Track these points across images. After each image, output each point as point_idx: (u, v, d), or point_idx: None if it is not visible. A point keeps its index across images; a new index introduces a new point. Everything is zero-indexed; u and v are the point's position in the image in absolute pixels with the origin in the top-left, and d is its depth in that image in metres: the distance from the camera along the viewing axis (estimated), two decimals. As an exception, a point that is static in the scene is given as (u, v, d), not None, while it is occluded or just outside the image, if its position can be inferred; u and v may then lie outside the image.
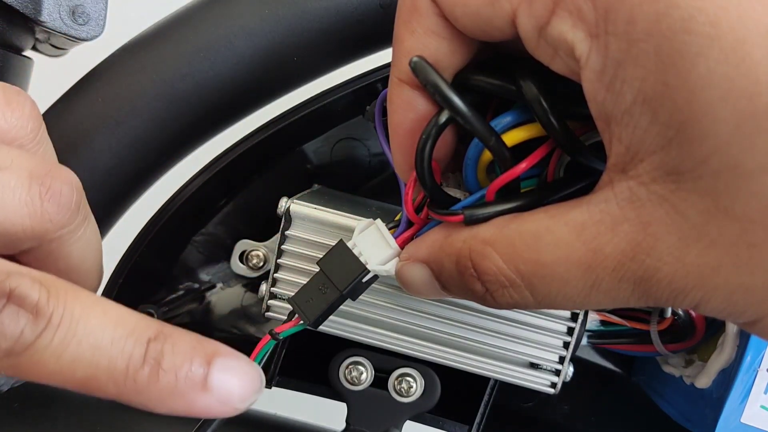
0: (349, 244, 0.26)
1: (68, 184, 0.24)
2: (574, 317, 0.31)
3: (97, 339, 0.19)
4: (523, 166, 0.21)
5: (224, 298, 0.41)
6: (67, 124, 0.32)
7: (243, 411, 0.21)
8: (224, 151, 0.35)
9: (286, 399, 0.38)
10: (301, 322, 0.26)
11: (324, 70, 0.36)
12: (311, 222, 0.31)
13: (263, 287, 0.33)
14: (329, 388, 0.35)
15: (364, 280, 0.26)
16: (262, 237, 0.37)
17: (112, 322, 0.20)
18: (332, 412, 0.37)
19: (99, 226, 0.28)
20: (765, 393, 0.31)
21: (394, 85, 0.23)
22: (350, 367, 0.34)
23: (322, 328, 0.30)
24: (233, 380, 0.20)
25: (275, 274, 0.32)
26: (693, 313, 0.33)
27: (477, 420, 0.35)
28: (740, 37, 0.16)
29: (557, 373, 0.32)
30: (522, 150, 0.22)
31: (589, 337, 0.36)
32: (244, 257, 0.37)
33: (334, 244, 0.26)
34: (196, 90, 0.32)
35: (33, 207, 0.22)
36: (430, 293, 0.24)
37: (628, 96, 0.17)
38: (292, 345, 0.36)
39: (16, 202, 0.22)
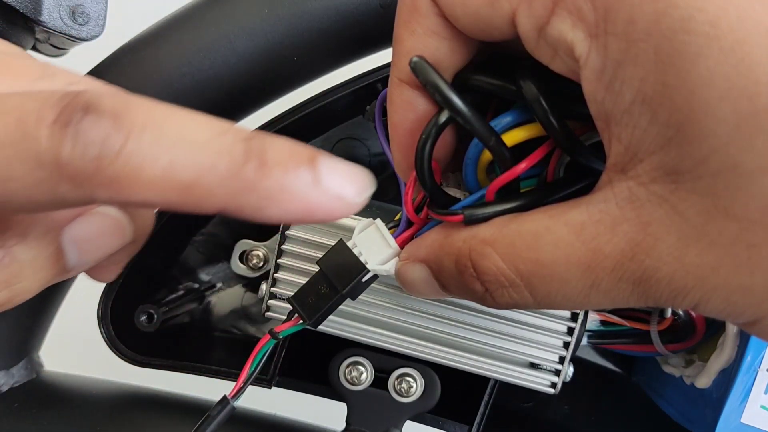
0: (349, 244, 0.26)
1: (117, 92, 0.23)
2: (574, 317, 0.31)
3: (192, 137, 0.17)
4: (522, 166, 0.21)
5: (224, 298, 0.41)
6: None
7: (360, 207, 0.19)
8: (224, 151, 0.35)
9: (286, 399, 0.38)
10: (301, 321, 0.26)
11: (324, 70, 0.36)
12: (311, 222, 0.31)
13: (263, 287, 0.33)
14: (329, 388, 0.35)
15: (364, 279, 0.26)
16: (262, 237, 0.37)
17: (202, 121, 0.18)
18: (332, 412, 0.37)
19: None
20: (765, 393, 0.31)
21: (394, 85, 0.23)
22: (350, 367, 0.34)
23: (322, 328, 0.30)
24: (342, 176, 0.18)
25: (275, 274, 0.32)
26: (693, 313, 0.33)
27: (477, 420, 0.35)
28: (740, 37, 0.16)
29: (557, 373, 0.32)
30: (522, 150, 0.22)
31: (589, 337, 0.36)
32: (244, 257, 0.37)
33: (333, 243, 0.26)
34: (196, 90, 0.33)
35: None
36: (430, 293, 0.24)
37: (628, 96, 0.17)
38: (292, 345, 0.36)
39: None
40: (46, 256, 0.22)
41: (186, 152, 0.17)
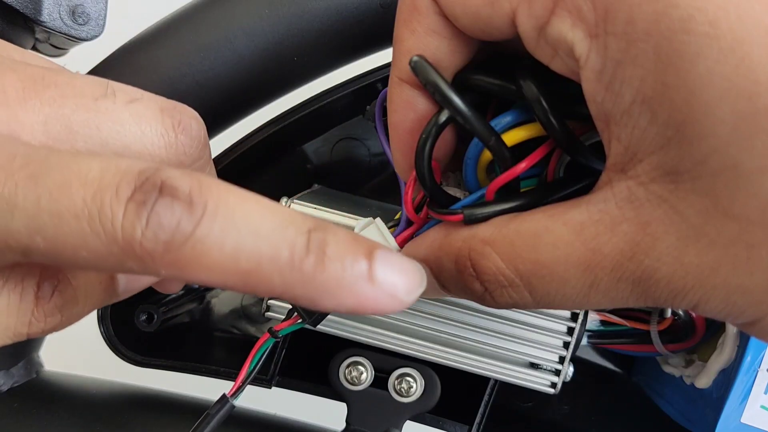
0: (349, 244, 0.26)
1: (195, 119, 0.24)
2: (574, 317, 0.31)
3: (258, 227, 0.18)
4: (522, 165, 0.21)
5: (224, 298, 0.41)
6: (67, 123, 0.32)
7: (409, 305, 0.19)
8: (224, 151, 0.35)
9: (286, 399, 0.38)
10: (300, 321, 0.26)
11: (324, 70, 0.36)
12: (311, 222, 0.31)
13: (263, 287, 0.33)
14: (329, 388, 0.35)
15: (364, 279, 0.26)
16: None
17: (269, 211, 0.18)
18: (332, 412, 0.37)
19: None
20: (765, 393, 0.31)
21: (394, 85, 0.23)
22: (350, 367, 0.34)
23: (321, 327, 0.30)
24: (396, 273, 0.19)
25: (275, 274, 0.32)
26: (693, 313, 0.33)
27: (477, 420, 0.35)
28: (739, 38, 0.16)
29: (557, 373, 0.32)
30: (522, 150, 0.22)
31: (589, 337, 0.36)
32: (244, 257, 0.37)
33: (333, 243, 0.26)
34: (196, 90, 0.33)
35: (168, 138, 0.22)
36: (430, 292, 0.24)
37: (627, 96, 0.17)
38: (292, 345, 0.36)
39: (153, 132, 0.22)
40: (98, 282, 0.22)
41: (251, 241, 0.17)
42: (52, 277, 0.21)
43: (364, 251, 0.19)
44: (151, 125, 0.22)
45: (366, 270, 0.18)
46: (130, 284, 0.24)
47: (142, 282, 0.25)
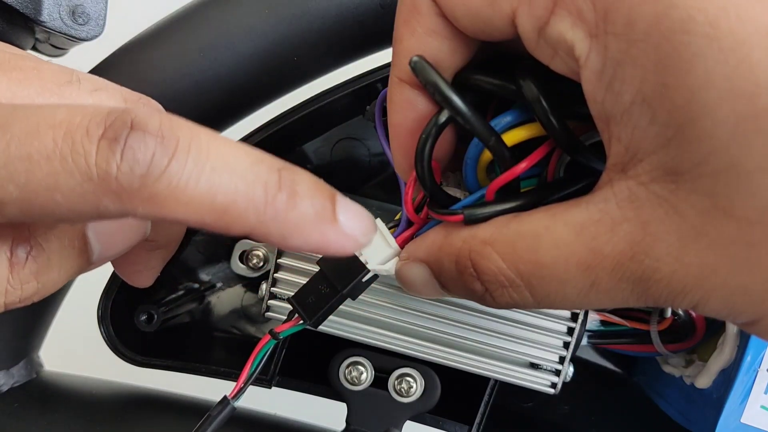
0: (349, 244, 0.26)
1: (158, 110, 0.24)
2: (574, 317, 0.31)
3: (231, 163, 0.18)
4: (522, 165, 0.21)
5: (224, 298, 0.41)
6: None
7: (364, 246, 0.21)
8: (224, 151, 0.35)
9: (286, 399, 0.38)
10: (301, 321, 0.26)
11: (324, 70, 0.36)
12: (311, 222, 0.31)
13: (263, 287, 0.33)
14: (329, 388, 0.35)
15: (364, 279, 0.26)
16: (262, 237, 0.37)
17: (241, 150, 0.19)
18: (332, 412, 0.37)
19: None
20: (765, 393, 0.31)
21: (394, 85, 0.23)
22: (350, 367, 0.34)
23: (322, 328, 0.30)
24: (354, 217, 0.20)
25: (275, 274, 0.32)
26: (693, 313, 0.33)
27: (477, 420, 0.35)
28: (739, 38, 0.16)
29: (557, 373, 0.32)
30: (522, 150, 0.22)
31: (589, 337, 0.36)
32: (244, 257, 0.37)
33: (333, 243, 0.26)
34: (196, 90, 0.32)
35: None
36: (430, 293, 0.24)
37: (628, 96, 0.17)
38: (292, 345, 0.36)
39: None
40: (72, 248, 0.22)
41: (226, 177, 0.18)
42: (25, 242, 0.21)
43: (327, 193, 0.20)
44: None
45: (330, 211, 0.19)
46: (104, 250, 0.23)
47: (116, 247, 0.24)
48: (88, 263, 0.23)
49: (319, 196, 0.19)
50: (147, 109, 0.18)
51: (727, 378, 0.31)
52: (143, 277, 0.28)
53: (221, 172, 0.18)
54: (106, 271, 0.30)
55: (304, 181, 0.19)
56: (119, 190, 0.17)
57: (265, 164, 0.19)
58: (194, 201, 0.17)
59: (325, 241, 0.19)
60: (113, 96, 0.23)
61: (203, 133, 0.18)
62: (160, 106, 0.24)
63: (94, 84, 0.23)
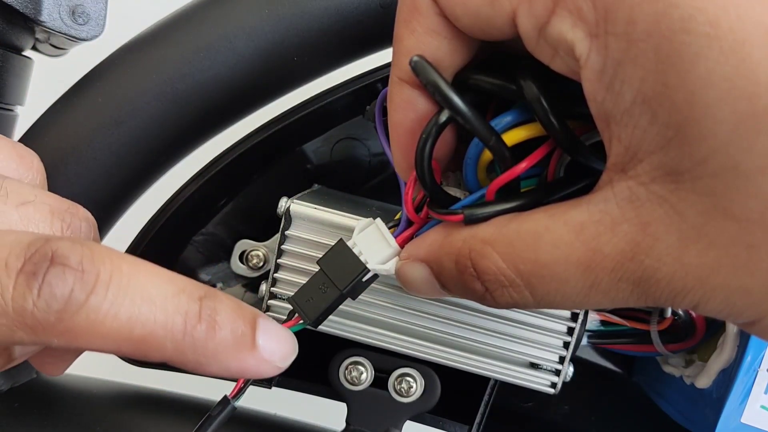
0: (349, 244, 0.26)
1: (86, 220, 0.24)
2: (574, 317, 0.31)
3: (151, 295, 0.18)
4: (523, 165, 0.21)
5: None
6: (67, 123, 0.32)
7: (283, 370, 0.21)
8: (224, 151, 0.35)
9: (286, 399, 0.38)
10: (302, 321, 0.26)
11: (324, 70, 0.36)
12: (311, 222, 0.31)
13: (263, 287, 0.33)
14: (329, 388, 0.35)
15: (364, 279, 0.26)
16: (262, 237, 0.37)
17: (162, 279, 0.19)
18: (332, 412, 0.37)
19: (99, 226, 0.28)
20: (765, 393, 0.31)
21: (395, 85, 0.23)
22: (350, 367, 0.34)
23: (322, 328, 0.30)
24: (274, 341, 0.21)
25: (275, 274, 0.32)
26: (693, 313, 0.33)
27: (477, 420, 0.35)
28: (740, 38, 0.16)
29: (557, 373, 0.32)
30: (522, 150, 0.22)
31: (589, 337, 0.36)
32: (244, 257, 0.37)
33: (334, 243, 0.26)
34: (196, 90, 0.32)
35: None
36: (430, 292, 0.24)
37: (628, 96, 0.17)
38: (292, 345, 0.36)
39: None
40: None
41: (144, 309, 0.18)
42: None
43: (249, 318, 0.20)
44: (40, 228, 0.22)
45: (250, 337, 0.20)
46: (25, 348, 0.24)
47: (34, 348, 0.25)
48: (10, 361, 0.24)
49: (240, 323, 0.20)
50: (68, 240, 0.18)
51: (727, 378, 0.31)
52: (56, 368, 0.28)
53: (141, 304, 0.18)
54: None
55: (225, 309, 0.20)
56: (34, 324, 0.17)
57: (186, 294, 0.19)
58: (111, 333, 0.18)
59: (244, 367, 0.20)
60: (40, 210, 0.23)
61: (125, 263, 0.19)
62: (88, 215, 0.25)
63: (22, 197, 0.23)
